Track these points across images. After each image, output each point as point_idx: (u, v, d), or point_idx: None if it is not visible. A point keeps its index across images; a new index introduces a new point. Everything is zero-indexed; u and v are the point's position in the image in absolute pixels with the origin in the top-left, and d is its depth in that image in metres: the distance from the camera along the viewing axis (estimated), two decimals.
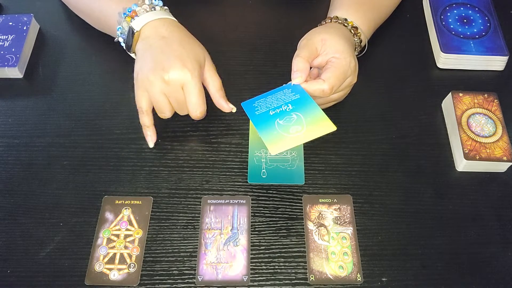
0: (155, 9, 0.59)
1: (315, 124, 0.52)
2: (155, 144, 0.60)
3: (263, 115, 0.54)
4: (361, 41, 0.61)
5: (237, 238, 0.53)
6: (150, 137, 0.59)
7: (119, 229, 0.54)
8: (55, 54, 0.69)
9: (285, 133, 0.52)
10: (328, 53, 0.55)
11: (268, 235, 0.54)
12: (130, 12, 0.58)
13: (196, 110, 0.56)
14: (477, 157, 0.57)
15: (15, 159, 0.59)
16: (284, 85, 0.56)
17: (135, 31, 0.57)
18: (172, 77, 0.53)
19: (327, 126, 0.52)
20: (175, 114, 0.60)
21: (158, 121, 0.62)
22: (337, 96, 0.59)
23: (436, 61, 0.68)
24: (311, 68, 0.57)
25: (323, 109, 0.54)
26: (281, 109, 0.54)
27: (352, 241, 0.53)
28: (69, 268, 0.52)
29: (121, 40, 0.60)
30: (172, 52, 0.55)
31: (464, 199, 0.57)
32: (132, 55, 0.60)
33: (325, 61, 0.56)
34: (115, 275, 0.51)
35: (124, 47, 0.60)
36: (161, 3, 0.60)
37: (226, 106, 0.58)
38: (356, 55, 0.60)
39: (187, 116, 0.63)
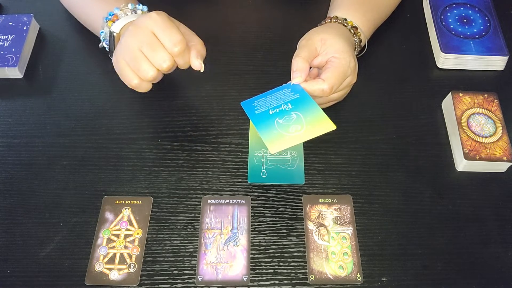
0: (136, 13, 0.58)
1: (315, 123, 0.52)
2: (155, 143, 0.60)
3: (262, 115, 0.54)
4: (360, 41, 0.61)
5: (237, 238, 0.53)
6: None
7: (119, 229, 0.54)
8: (55, 54, 0.69)
9: (284, 132, 0.52)
10: (327, 53, 0.55)
11: (268, 235, 0.54)
12: (111, 16, 0.58)
13: (173, 44, 0.50)
14: (477, 157, 0.57)
15: (15, 159, 0.59)
16: (283, 84, 0.56)
17: (114, 34, 0.57)
18: (138, 22, 0.51)
19: (327, 125, 0.52)
20: (175, 113, 0.59)
21: (158, 121, 0.63)
22: (336, 96, 0.59)
23: (436, 61, 0.68)
24: (310, 68, 0.57)
25: (322, 109, 0.54)
26: (280, 108, 0.54)
27: (352, 241, 0.53)
28: (69, 268, 0.52)
29: (104, 45, 0.60)
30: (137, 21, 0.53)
31: (464, 199, 0.57)
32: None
33: (325, 61, 0.56)
34: (115, 275, 0.51)
35: (109, 53, 0.60)
36: (145, 8, 0.59)
37: (197, 64, 0.53)
38: (356, 55, 0.60)
39: (187, 116, 0.63)
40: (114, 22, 0.57)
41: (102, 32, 0.59)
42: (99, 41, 0.61)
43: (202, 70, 0.54)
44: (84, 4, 0.64)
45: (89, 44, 0.70)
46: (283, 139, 0.51)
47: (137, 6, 0.59)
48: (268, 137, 0.52)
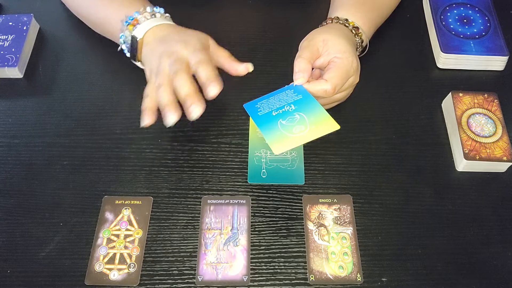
0: (155, 16, 0.59)
1: (319, 124, 0.52)
2: (155, 144, 0.60)
3: (265, 116, 0.54)
4: (362, 41, 0.61)
5: (237, 238, 0.53)
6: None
7: (119, 229, 0.54)
8: (55, 54, 0.69)
9: (288, 133, 0.52)
10: (330, 53, 0.55)
11: (268, 235, 0.54)
12: (131, 20, 0.58)
13: (210, 85, 0.51)
14: (477, 157, 0.57)
15: (15, 159, 0.59)
16: (286, 86, 0.56)
17: (138, 39, 0.57)
18: (177, 55, 0.53)
19: (331, 125, 0.52)
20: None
21: (158, 121, 0.62)
22: (339, 97, 0.59)
23: (436, 61, 0.68)
24: (313, 69, 0.57)
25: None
26: (283, 109, 0.54)
27: (352, 241, 0.53)
28: (69, 268, 0.52)
29: (124, 47, 0.60)
30: (174, 40, 0.56)
31: (464, 199, 0.57)
32: (138, 63, 0.60)
33: (327, 61, 0.56)
34: (115, 275, 0.51)
35: (129, 55, 0.60)
36: (162, 10, 0.60)
37: (242, 68, 0.56)
38: (358, 55, 0.60)
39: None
40: (135, 26, 0.58)
41: (122, 35, 0.59)
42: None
43: (251, 69, 0.56)
44: (96, 7, 0.64)
45: (89, 44, 0.70)
46: (287, 140, 0.51)
47: (154, 9, 0.60)
48: (271, 138, 0.51)
